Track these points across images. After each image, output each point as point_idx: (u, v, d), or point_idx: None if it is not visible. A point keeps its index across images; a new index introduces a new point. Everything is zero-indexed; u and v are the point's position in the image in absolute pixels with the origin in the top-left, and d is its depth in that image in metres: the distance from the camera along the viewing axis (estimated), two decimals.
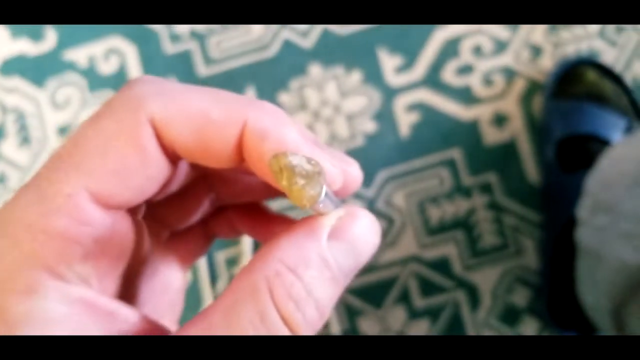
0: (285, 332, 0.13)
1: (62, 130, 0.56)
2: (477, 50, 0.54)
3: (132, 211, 0.15)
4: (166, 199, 0.18)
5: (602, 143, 0.47)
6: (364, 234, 0.14)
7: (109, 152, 0.13)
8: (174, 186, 0.17)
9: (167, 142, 0.14)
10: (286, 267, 0.13)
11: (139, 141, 0.13)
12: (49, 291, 0.12)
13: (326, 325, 0.52)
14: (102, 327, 0.13)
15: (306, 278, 0.13)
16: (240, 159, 0.14)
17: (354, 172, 0.15)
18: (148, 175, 0.14)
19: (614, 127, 0.48)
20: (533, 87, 0.53)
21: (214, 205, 0.20)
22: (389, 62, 0.54)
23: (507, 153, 0.53)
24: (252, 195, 0.19)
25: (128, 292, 0.16)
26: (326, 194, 0.12)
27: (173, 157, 0.14)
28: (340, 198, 0.15)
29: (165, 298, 0.18)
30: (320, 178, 0.11)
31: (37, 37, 0.57)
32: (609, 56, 0.53)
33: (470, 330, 0.51)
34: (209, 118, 0.13)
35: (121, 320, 0.13)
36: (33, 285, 0.12)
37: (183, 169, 0.17)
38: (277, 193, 0.19)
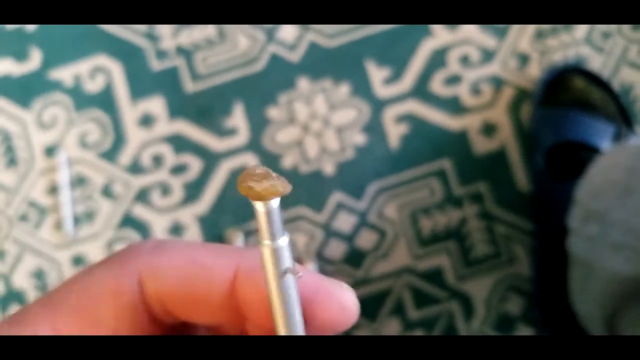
0: None
1: (49, 151, 0.55)
2: (465, 60, 0.54)
3: None
4: None
5: (591, 150, 0.47)
6: None
7: (83, 299, 0.13)
8: None
9: (153, 293, 0.13)
10: None
11: (118, 292, 0.13)
12: None
13: None
14: None
15: None
16: (232, 309, 0.14)
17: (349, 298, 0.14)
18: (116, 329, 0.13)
19: (602, 134, 0.48)
20: (521, 96, 0.53)
21: None
22: (377, 73, 0.54)
23: (497, 162, 0.53)
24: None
25: None
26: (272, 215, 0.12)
27: (162, 315, 0.14)
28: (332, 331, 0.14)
29: None
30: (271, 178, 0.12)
31: (21, 57, 0.56)
32: (596, 62, 0.53)
33: None
34: (198, 262, 0.13)
35: None
36: None
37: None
38: None
